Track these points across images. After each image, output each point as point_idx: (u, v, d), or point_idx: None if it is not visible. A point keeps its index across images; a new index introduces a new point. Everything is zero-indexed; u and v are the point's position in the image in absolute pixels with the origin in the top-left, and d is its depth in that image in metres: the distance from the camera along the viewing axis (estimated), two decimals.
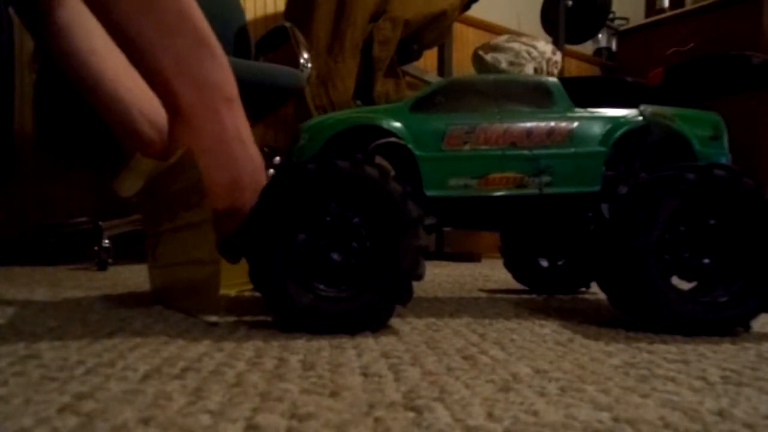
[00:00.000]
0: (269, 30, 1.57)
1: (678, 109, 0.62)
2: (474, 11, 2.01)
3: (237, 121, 0.48)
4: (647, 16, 2.80)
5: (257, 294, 0.46)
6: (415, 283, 0.47)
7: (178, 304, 0.56)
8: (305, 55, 1.41)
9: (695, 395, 0.30)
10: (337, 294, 0.46)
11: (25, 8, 0.58)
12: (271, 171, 0.59)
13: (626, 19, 2.92)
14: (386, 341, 0.43)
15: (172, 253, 0.57)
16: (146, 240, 0.63)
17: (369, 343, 0.42)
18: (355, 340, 0.43)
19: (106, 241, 1.16)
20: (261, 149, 0.61)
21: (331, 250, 0.47)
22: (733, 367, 0.37)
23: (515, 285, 0.88)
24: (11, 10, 0.62)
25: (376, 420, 0.25)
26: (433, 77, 1.96)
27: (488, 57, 1.66)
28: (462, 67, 2.17)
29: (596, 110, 0.61)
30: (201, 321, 0.50)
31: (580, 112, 0.60)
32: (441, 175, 0.58)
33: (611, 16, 2.65)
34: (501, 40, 1.70)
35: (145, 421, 0.24)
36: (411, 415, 0.25)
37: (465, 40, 2.33)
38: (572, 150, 0.58)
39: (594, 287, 0.85)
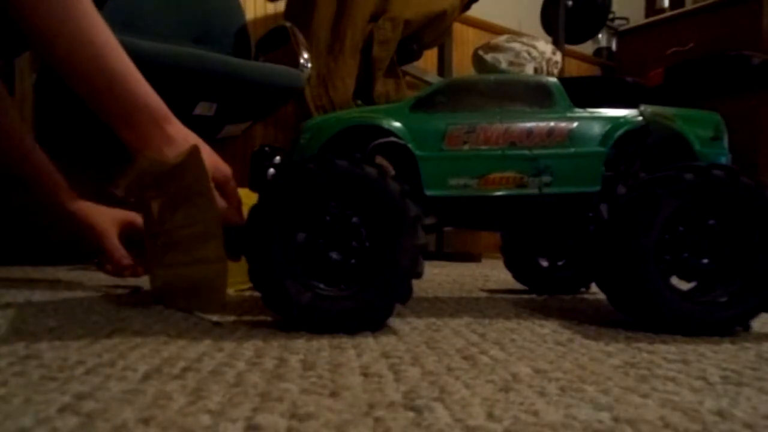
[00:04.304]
0: (269, 30, 1.56)
1: (678, 109, 0.62)
2: (474, 11, 2.00)
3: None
4: (647, 16, 2.80)
5: (257, 293, 0.47)
6: (415, 283, 0.47)
7: (181, 304, 0.56)
8: (305, 55, 1.40)
9: (695, 395, 0.30)
10: (337, 293, 0.47)
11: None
12: (271, 170, 0.59)
13: (626, 19, 2.92)
14: (386, 341, 0.43)
15: (175, 252, 0.57)
16: (147, 240, 0.63)
17: (369, 343, 0.42)
18: (355, 340, 0.43)
19: None
20: (262, 149, 0.61)
21: (331, 249, 0.47)
22: (733, 367, 0.37)
23: (515, 285, 0.88)
24: None
25: (376, 420, 0.25)
26: (433, 77, 1.96)
27: (488, 57, 1.66)
28: (462, 67, 2.17)
29: (596, 110, 0.61)
30: (202, 321, 0.50)
31: (580, 112, 0.60)
32: (441, 174, 0.58)
33: (611, 16, 2.64)
34: (501, 40, 1.70)
35: (145, 421, 0.24)
36: (411, 415, 0.25)
37: (465, 40, 2.33)
38: (572, 150, 0.58)
39: (594, 287, 0.85)
